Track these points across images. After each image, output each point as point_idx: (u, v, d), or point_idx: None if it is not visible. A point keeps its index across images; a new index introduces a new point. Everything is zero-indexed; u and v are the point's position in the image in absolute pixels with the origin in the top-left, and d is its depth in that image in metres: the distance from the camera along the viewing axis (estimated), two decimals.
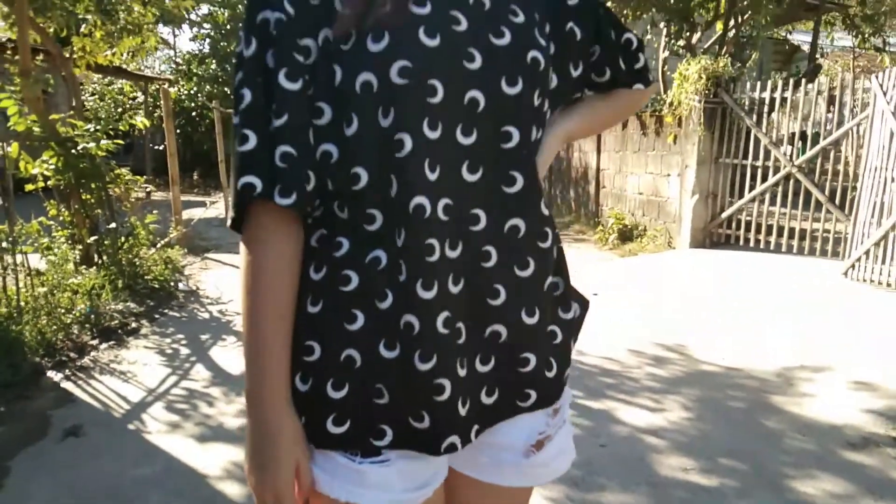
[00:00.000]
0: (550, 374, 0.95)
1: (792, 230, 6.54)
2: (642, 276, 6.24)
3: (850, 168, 6.22)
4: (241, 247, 0.84)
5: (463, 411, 0.86)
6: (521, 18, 0.86)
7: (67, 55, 5.98)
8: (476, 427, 0.89)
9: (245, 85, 0.80)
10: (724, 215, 6.96)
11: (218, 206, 11.22)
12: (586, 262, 7.10)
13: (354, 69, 0.79)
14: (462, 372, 0.85)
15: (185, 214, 8.35)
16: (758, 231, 6.78)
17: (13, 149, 4.96)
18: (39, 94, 5.31)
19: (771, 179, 6.60)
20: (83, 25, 6.04)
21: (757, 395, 3.39)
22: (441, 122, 0.80)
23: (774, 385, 3.53)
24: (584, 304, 1.04)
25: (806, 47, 12.70)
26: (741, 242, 6.92)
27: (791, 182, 6.54)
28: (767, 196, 6.75)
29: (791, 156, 6.57)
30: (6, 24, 5.60)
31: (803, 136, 6.64)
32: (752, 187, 6.77)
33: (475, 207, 0.83)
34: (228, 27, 12.55)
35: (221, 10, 5.81)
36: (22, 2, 4.78)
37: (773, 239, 6.65)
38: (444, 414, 0.84)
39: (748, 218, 6.88)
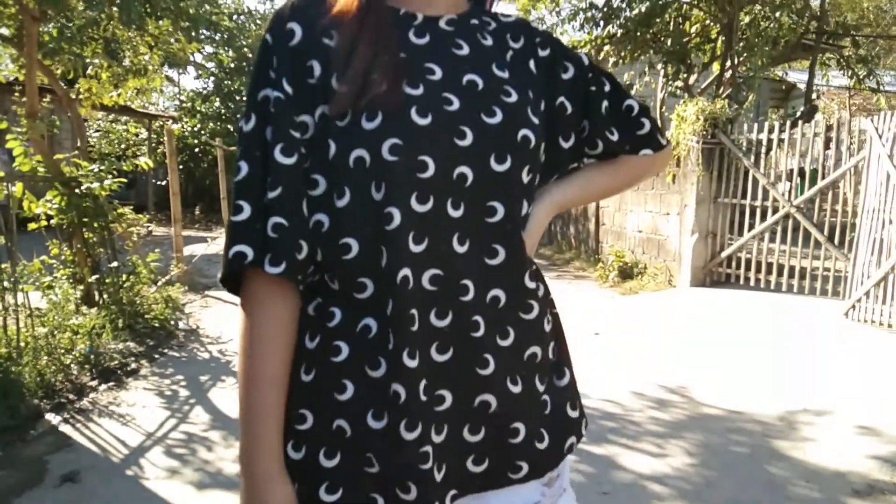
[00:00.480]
0: (542, 446, 0.94)
1: (792, 269, 6.55)
2: (643, 315, 6.24)
3: (849, 205, 6.26)
4: (240, 311, 0.86)
5: (438, 476, 0.86)
6: (513, 98, 0.89)
7: (73, 96, 6.06)
8: (453, 492, 0.89)
9: (243, 158, 0.85)
10: (723, 254, 6.98)
11: (219, 243, 11.25)
12: (587, 300, 7.10)
13: (348, 145, 0.82)
14: (438, 438, 0.86)
15: (187, 251, 8.38)
16: (758, 270, 6.79)
17: (17, 189, 5.01)
18: (45, 135, 5.38)
19: (770, 219, 6.64)
20: (89, 67, 6.14)
21: (760, 440, 3.37)
22: (432, 195, 0.83)
23: (777, 429, 3.50)
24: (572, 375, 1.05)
25: (802, 86, 12.86)
26: (741, 281, 6.93)
27: (790, 220, 6.58)
28: (767, 234, 6.78)
29: (789, 195, 6.62)
30: (15, 66, 5.69)
31: (801, 172, 6.70)
32: (751, 226, 6.81)
33: (464, 278, 0.85)
34: (233, 66, 12.75)
35: (225, 50, 5.93)
36: (31, 46, 4.86)
37: (773, 278, 6.66)
38: (426, 482, 0.85)
39: (748, 255, 6.90)
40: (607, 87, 1.02)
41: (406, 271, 0.82)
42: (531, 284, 0.93)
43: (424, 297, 0.83)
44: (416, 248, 0.82)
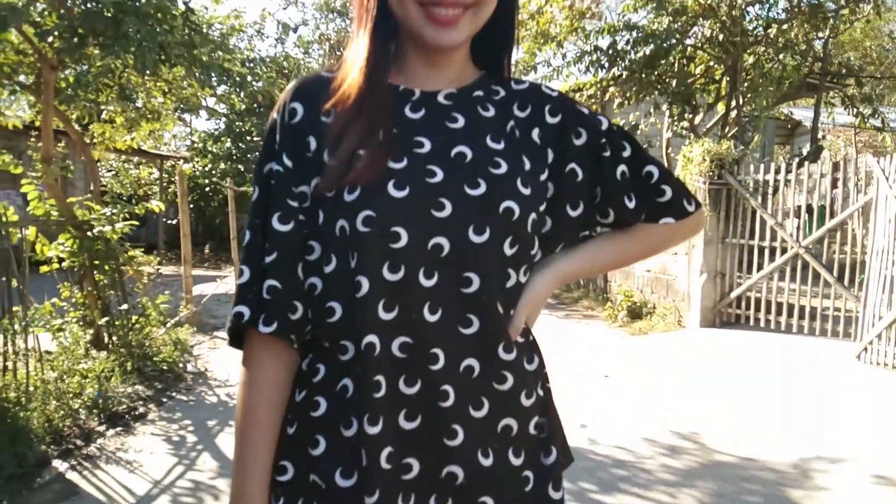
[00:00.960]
0: None
1: (802, 308, 6.51)
2: (653, 357, 6.19)
3: (858, 244, 6.25)
4: (241, 365, 0.93)
5: None
6: (502, 169, 0.90)
7: (88, 140, 6.17)
8: None
9: (248, 226, 0.93)
10: (732, 295, 6.96)
11: (228, 282, 11.30)
12: (597, 341, 7.06)
13: (333, 215, 0.87)
14: None
15: (196, 290, 8.41)
16: (768, 310, 6.75)
17: (31, 233, 5.08)
18: (59, 179, 5.47)
19: (778, 260, 6.62)
20: (104, 112, 6.26)
21: (774, 489, 3.31)
22: (403, 265, 0.85)
23: (791, 477, 3.45)
24: (567, 457, 1.05)
25: (807, 123, 12.93)
26: (751, 322, 6.88)
27: (799, 259, 6.56)
28: (776, 273, 6.75)
29: (798, 235, 6.61)
30: (32, 112, 5.81)
31: (809, 209, 6.70)
32: (759, 266, 6.79)
33: (434, 347, 0.86)
34: (244, 107, 12.98)
35: (237, 92, 6.06)
36: (49, 93, 4.97)
37: (783, 319, 6.61)
38: None
39: (757, 295, 6.86)
40: (627, 152, 1.00)
41: (372, 338, 0.85)
42: (507, 356, 0.92)
43: (394, 363, 0.86)
44: (386, 316, 0.86)
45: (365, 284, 0.85)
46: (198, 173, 16.08)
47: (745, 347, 6.22)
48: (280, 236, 0.90)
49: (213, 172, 15.77)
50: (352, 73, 0.91)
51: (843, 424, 4.18)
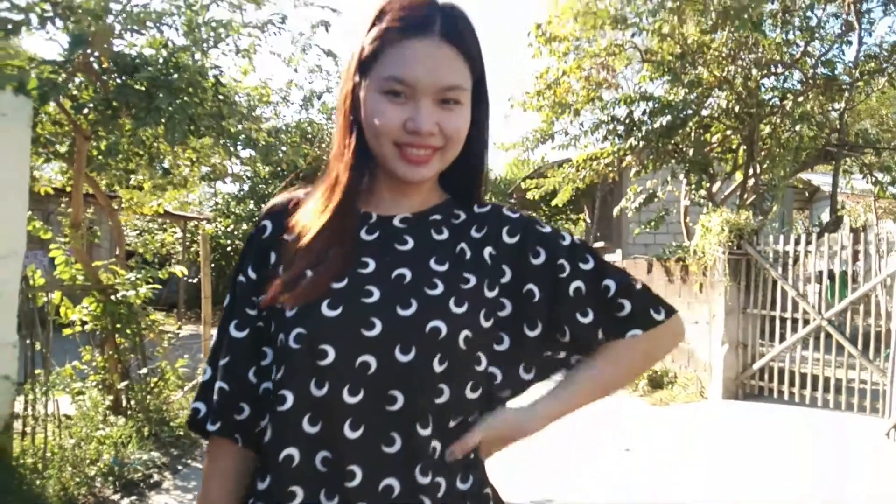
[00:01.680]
0: None
1: (827, 380, 6.36)
2: (676, 430, 6.07)
3: (883, 313, 6.14)
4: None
5: None
6: (437, 290, 0.93)
7: (115, 206, 6.33)
8: None
9: (217, 329, 1.02)
10: (755, 366, 6.84)
11: None
12: (617, 411, 6.94)
13: (277, 329, 0.94)
14: None
15: None
16: (791, 383, 6.62)
17: (56, 297, 5.17)
18: (85, 244, 5.60)
19: (801, 332, 6.53)
20: (132, 178, 6.44)
21: None
22: (328, 381, 0.89)
23: None
24: None
25: (826, 188, 12.95)
26: (775, 395, 6.74)
27: (822, 331, 6.46)
28: (799, 344, 6.64)
29: (819, 304, 6.53)
30: (63, 179, 5.99)
31: (831, 274, 6.63)
32: (782, 336, 6.69)
33: (352, 464, 0.89)
34: (267, 170, 13.31)
35: (262, 160, 6.24)
36: (81, 162, 5.14)
37: (807, 392, 6.47)
38: None
39: (781, 364, 6.74)
40: (588, 266, 1.01)
41: (292, 451, 0.90)
42: (423, 479, 0.91)
43: (315, 476, 0.89)
44: (310, 430, 0.90)
45: (289, 399, 0.90)
46: (220, 234, 16.32)
47: (769, 422, 6.08)
48: (235, 342, 0.99)
49: (236, 233, 15.99)
50: (322, 198, 0.98)
51: None
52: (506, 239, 1.01)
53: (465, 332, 0.92)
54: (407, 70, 0.90)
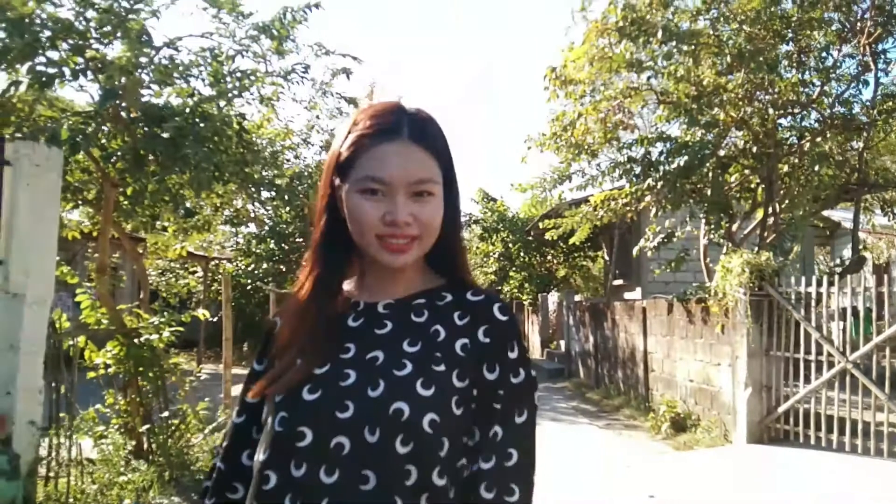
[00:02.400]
0: None
1: (854, 423, 6.23)
2: (700, 476, 5.96)
3: None
4: None
5: None
6: (405, 371, 0.97)
7: (140, 251, 6.45)
8: None
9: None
10: (780, 410, 6.73)
11: None
12: (641, 455, 6.84)
13: (268, 413, 1.02)
14: None
15: (235, 391, 8.45)
16: (817, 426, 6.49)
17: (80, 341, 5.25)
18: (111, 289, 5.70)
19: (825, 375, 6.43)
20: (157, 223, 6.57)
21: None
22: (306, 462, 0.94)
23: None
24: None
25: (847, 223, 12.84)
26: (801, 439, 6.61)
27: (848, 375, 6.35)
28: (824, 386, 6.52)
29: (844, 343, 6.43)
30: (90, 224, 6.12)
31: (855, 312, 6.54)
32: (807, 377, 6.58)
33: None
34: (288, 210, 13.55)
35: (284, 205, 6.39)
36: (108, 208, 5.27)
37: (834, 437, 6.34)
38: None
39: (806, 405, 6.62)
40: (520, 419, 1.01)
41: None
42: None
43: None
44: None
45: (272, 479, 0.96)
46: (240, 273, 16.48)
47: (795, 468, 5.95)
48: (234, 427, 1.11)
49: (256, 272, 16.13)
50: (302, 292, 1.08)
51: None
52: (481, 337, 1.02)
53: (431, 416, 0.94)
54: (381, 170, 1.00)
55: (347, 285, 1.11)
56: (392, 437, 0.93)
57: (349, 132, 1.04)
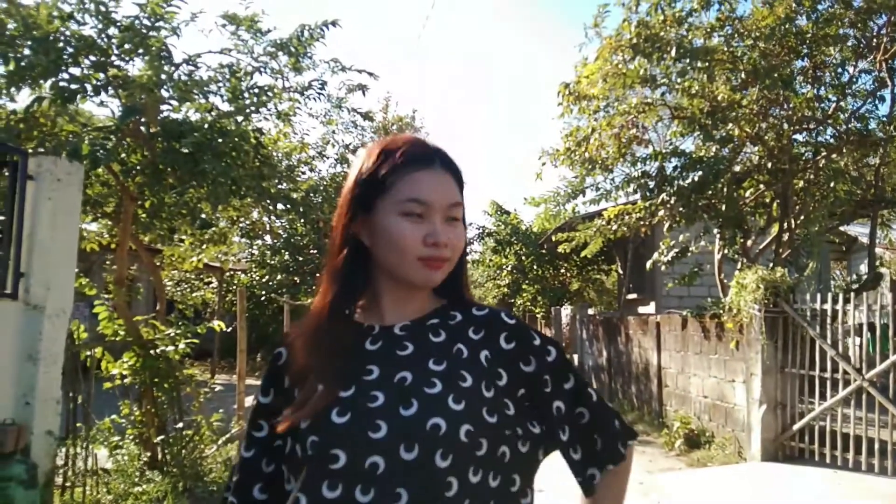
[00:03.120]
0: None
1: (871, 441, 6.17)
2: (714, 493, 5.91)
3: None
4: None
5: None
6: (436, 389, 1.01)
7: (157, 263, 6.53)
8: None
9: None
10: (795, 427, 6.67)
11: None
12: (655, 471, 6.80)
13: (293, 441, 1.03)
14: None
15: (248, 401, 8.49)
16: (833, 444, 6.43)
17: (97, 352, 5.32)
18: (128, 301, 5.78)
19: (841, 393, 6.37)
20: (174, 235, 6.65)
21: None
22: (341, 483, 0.96)
23: None
24: None
25: (863, 238, 12.72)
26: (816, 457, 6.54)
27: (864, 393, 6.29)
28: (840, 404, 6.46)
29: (861, 358, 6.38)
30: (108, 237, 6.21)
31: (871, 327, 6.48)
32: (822, 394, 6.53)
33: None
34: (303, 221, 13.66)
35: (300, 219, 6.47)
36: (127, 222, 5.35)
37: (850, 456, 6.27)
38: None
39: (822, 423, 6.55)
40: (567, 385, 1.11)
41: None
42: None
43: None
44: None
45: (303, 501, 0.98)
46: (255, 284, 16.58)
47: (810, 487, 5.89)
48: (243, 462, 1.12)
49: (271, 283, 16.21)
50: (319, 322, 1.10)
51: None
52: (503, 344, 1.09)
53: (467, 427, 0.99)
54: (423, 192, 1.07)
55: (357, 311, 1.14)
56: (432, 451, 0.97)
57: (378, 161, 1.09)
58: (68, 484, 4.58)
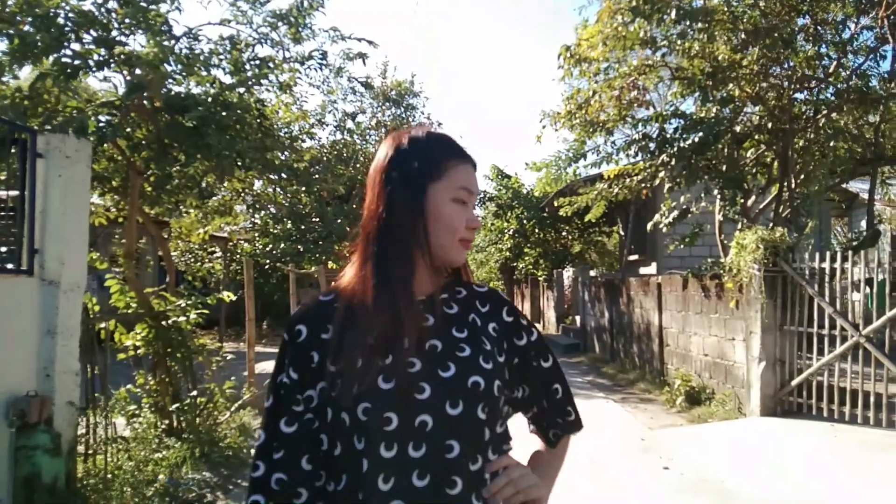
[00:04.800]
0: None
1: (867, 395, 6.33)
2: (714, 448, 6.09)
3: None
4: None
5: None
6: (466, 353, 1.16)
7: (165, 235, 6.61)
8: None
9: (262, 428, 1.18)
10: (793, 383, 6.83)
11: None
12: (656, 428, 6.98)
13: (339, 410, 1.10)
14: None
15: (257, 368, 8.69)
16: (830, 399, 6.60)
17: (111, 324, 5.44)
18: (139, 274, 5.88)
19: (839, 349, 6.51)
20: (180, 208, 6.72)
21: None
22: (396, 443, 1.07)
23: None
24: None
25: (864, 195, 12.76)
26: (814, 411, 6.72)
27: (861, 349, 6.43)
28: (838, 360, 6.61)
29: (860, 314, 6.51)
30: (114, 211, 6.28)
31: (870, 283, 6.59)
32: (819, 350, 6.68)
33: None
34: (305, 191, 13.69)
35: (304, 190, 6.54)
36: (134, 196, 5.42)
37: (847, 410, 6.45)
38: None
39: (819, 379, 6.72)
40: (546, 364, 1.30)
41: None
42: None
43: None
44: (384, 487, 1.07)
45: (366, 463, 1.07)
46: (258, 252, 16.68)
47: (808, 440, 6.07)
48: (286, 437, 1.15)
49: (274, 252, 16.29)
50: (354, 295, 1.18)
51: None
52: (505, 318, 1.26)
53: (497, 382, 1.16)
54: (471, 182, 1.24)
55: None
56: (475, 405, 1.11)
57: (425, 148, 1.22)
58: (90, 452, 4.73)
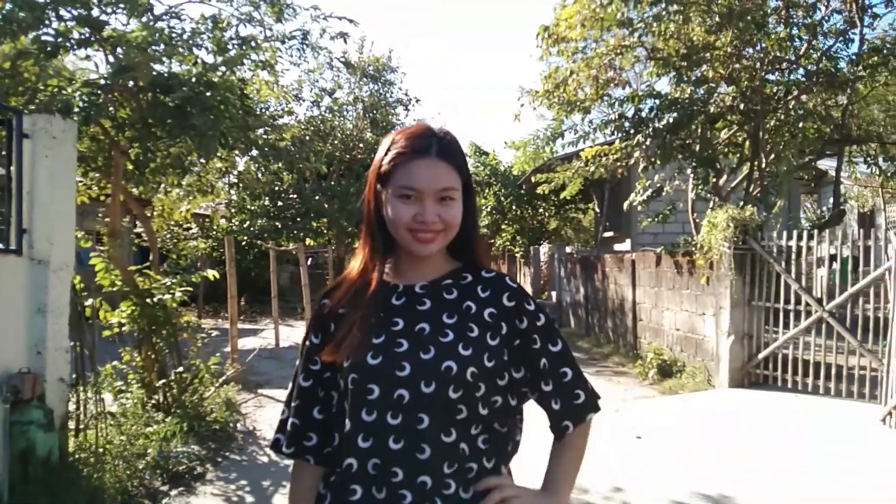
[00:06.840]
0: None
1: (829, 367, 6.65)
2: (685, 418, 6.37)
3: (892, 299, 6.34)
4: None
5: None
6: (448, 338, 1.29)
7: (148, 214, 6.64)
8: None
9: (292, 381, 1.41)
10: (760, 356, 7.13)
11: (266, 336, 11.68)
12: (630, 399, 7.25)
13: (341, 376, 1.32)
14: None
15: (240, 344, 8.79)
16: (794, 371, 6.91)
17: (97, 302, 5.50)
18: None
19: (803, 324, 6.81)
20: (162, 185, 6.75)
21: None
22: (376, 410, 1.26)
23: None
24: None
25: (832, 172, 13.11)
26: (779, 383, 7.03)
27: (824, 323, 6.72)
28: (802, 333, 6.91)
29: (822, 298, 6.80)
30: (96, 190, 6.30)
31: (835, 258, 6.88)
32: (786, 324, 6.97)
33: (395, 466, 1.25)
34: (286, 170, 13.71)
35: (287, 169, 6.64)
36: (118, 175, 5.45)
37: (810, 381, 6.77)
38: None
39: (784, 352, 7.03)
40: (555, 348, 1.37)
41: (351, 460, 1.27)
42: (449, 470, 1.25)
43: (367, 476, 1.26)
44: (363, 445, 1.26)
45: (349, 424, 1.27)
46: (234, 229, 16.63)
47: (773, 409, 6.38)
48: (302, 390, 1.38)
49: (252, 229, 16.28)
50: (355, 279, 1.37)
51: (870, 495, 4.34)
52: (505, 302, 1.36)
53: (471, 369, 1.27)
54: (413, 181, 1.30)
55: (387, 271, 1.40)
56: (446, 386, 1.25)
57: (388, 150, 1.34)
58: (81, 427, 4.83)
